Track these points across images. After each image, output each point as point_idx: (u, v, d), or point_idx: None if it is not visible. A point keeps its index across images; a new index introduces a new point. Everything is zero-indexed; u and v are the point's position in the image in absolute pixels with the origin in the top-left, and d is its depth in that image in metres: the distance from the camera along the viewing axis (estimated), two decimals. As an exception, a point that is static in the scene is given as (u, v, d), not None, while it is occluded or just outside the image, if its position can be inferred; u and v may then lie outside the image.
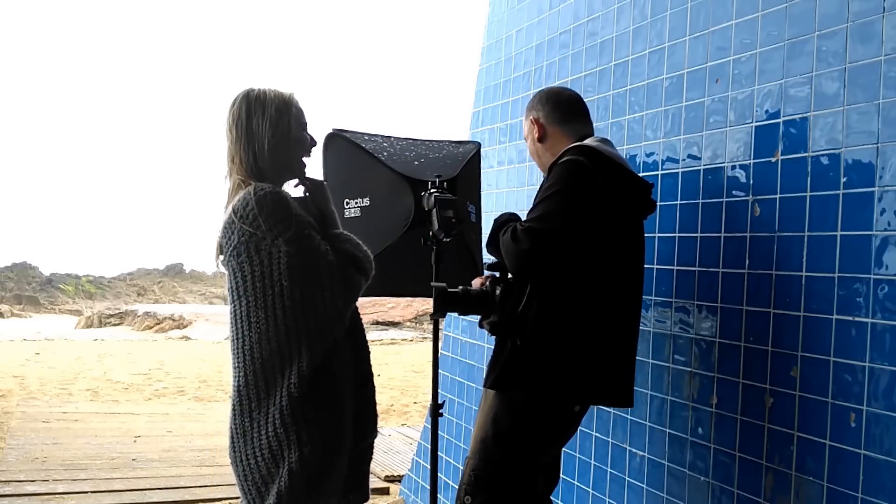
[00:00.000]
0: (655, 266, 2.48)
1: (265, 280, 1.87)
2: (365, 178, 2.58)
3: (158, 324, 23.34)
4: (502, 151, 3.48)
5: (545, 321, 2.07)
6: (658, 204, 2.33)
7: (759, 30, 2.15)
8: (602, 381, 2.13)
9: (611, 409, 2.64)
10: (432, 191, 2.32)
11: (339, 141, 2.64)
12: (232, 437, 1.94)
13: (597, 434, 2.72)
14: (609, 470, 2.65)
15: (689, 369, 2.33)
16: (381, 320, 19.00)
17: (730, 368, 2.18)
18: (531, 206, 2.11)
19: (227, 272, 1.94)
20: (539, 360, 2.07)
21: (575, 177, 2.06)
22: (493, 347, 2.19)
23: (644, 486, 2.47)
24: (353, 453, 2.00)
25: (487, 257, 2.32)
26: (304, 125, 2.04)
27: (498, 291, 2.16)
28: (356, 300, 2.00)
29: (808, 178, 1.97)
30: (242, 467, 1.92)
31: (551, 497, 2.34)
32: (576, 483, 2.80)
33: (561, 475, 2.45)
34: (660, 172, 2.49)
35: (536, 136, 2.31)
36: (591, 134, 2.27)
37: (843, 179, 1.88)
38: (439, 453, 3.05)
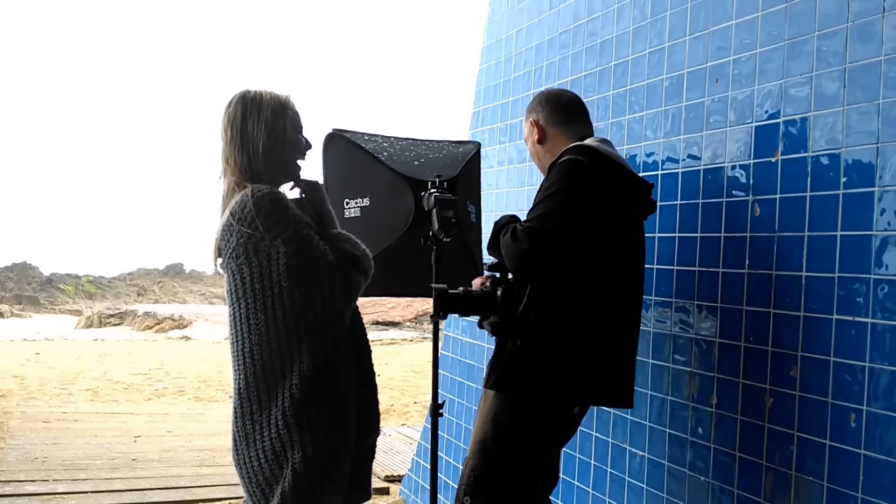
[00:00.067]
0: (655, 266, 2.48)
1: (264, 281, 1.87)
2: (365, 178, 2.58)
3: (158, 324, 23.34)
4: (502, 151, 3.48)
5: (545, 322, 2.07)
6: (658, 204, 2.33)
7: (759, 30, 2.15)
8: (602, 382, 2.13)
9: (611, 410, 2.64)
10: (432, 191, 2.32)
11: (339, 141, 2.63)
12: (235, 440, 1.94)
13: (597, 434, 2.72)
14: (609, 470, 2.65)
15: (689, 369, 2.33)
16: (381, 320, 19.00)
17: (730, 368, 2.18)
18: (531, 206, 2.11)
19: (225, 275, 1.94)
20: (539, 361, 2.07)
21: (574, 176, 2.05)
22: (493, 348, 2.19)
23: (644, 486, 2.47)
24: (356, 453, 2.00)
25: (488, 258, 2.32)
26: (299, 128, 2.04)
27: (499, 292, 2.16)
28: (356, 300, 2.00)
29: (808, 178, 1.97)
30: (246, 469, 1.92)
31: (551, 497, 2.34)
32: (576, 483, 2.80)
33: (561, 475, 2.45)
34: (660, 172, 2.49)
35: (536, 137, 2.31)
36: (591, 135, 2.27)
37: (843, 179, 1.88)
38: (439, 453, 3.05)
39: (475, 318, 2.28)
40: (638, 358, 2.28)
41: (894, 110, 1.77)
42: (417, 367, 11.24)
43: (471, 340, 3.53)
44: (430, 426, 2.52)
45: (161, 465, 5.12)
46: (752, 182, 2.15)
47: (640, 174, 2.40)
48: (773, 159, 2.08)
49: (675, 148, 2.45)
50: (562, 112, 2.29)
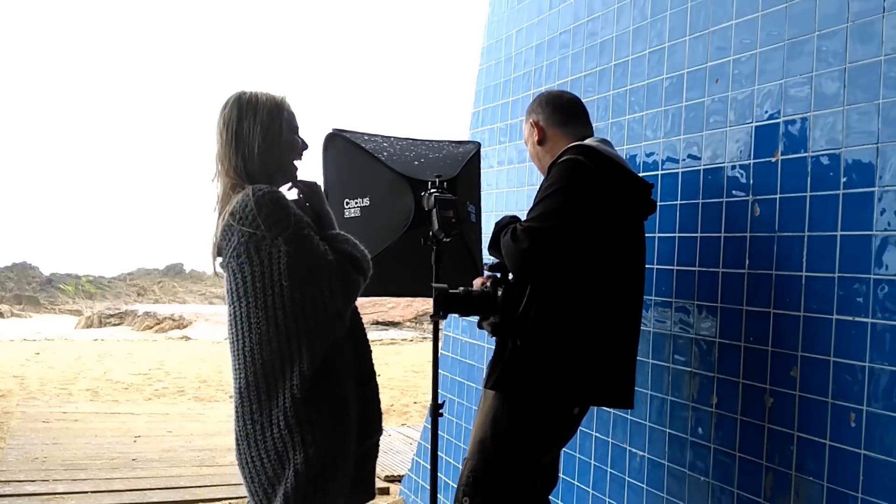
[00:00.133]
0: (655, 266, 2.48)
1: (265, 280, 1.87)
2: (365, 178, 2.58)
3: (158, 324, 23.34)
4: (502, 151, 3.48)
5: (545, 322, 2.07)
6: (658, 204, 2.33)
7: (759, 30, 2.15)
8: (602, 382, 2.13)
9: (611, 410, 2.64)
10: (432, 191, 2.32)
11: (338, 141, 2.63)
12: (237, 441, 1.94)
13: (597, 434, 2.72)
14: (609, 470, 2.65)
15: (689, 369, 2.33)
16: (381, 320, 19.00)
17: (730, 368, 2.18)
18: (531, 205, 2.11)
19: (226, 274, 1.94)
20: (539, 362, 2.07)
21: (574, 176, 2.05)
22: (493, 348, 2.19)
23: (644, 486, 2.47)
24: (359, 452, 2.00)
25: (488, 258, 2.32)
26: (295, 129, 2.03)
27: (500, 292, 2.15)
28: (355, 300, 2.00)
29: (808, 178, 1.97)
30: (249, 470, 1.92)
31: (551, 497, 2.34)
32: (576, 483, 2.80)
33: (561, 475, 2.45)
34: (660, 172, 2.49)
35: (536, 139, 2.31)
36: (590, 136, 2.27)
37: (843, 179, 1.88)
38: (439, 453, 3.05)
39: (475, 318, 2.28)
40: (638, 358, 2.28)
41: (894, 110, 1.77)
42: (417, 367, 11.24)
43: (471, 340, 3.53)
44: (430, 426, 2.52)
45: (161, 465, 5.12)
46: (752, 182, 2.15)
47: (640, 174, 2.40)
48: (773, 159, 2.08)
49: (675, 148, 2.45)
50: (562, 113, 2.29)
